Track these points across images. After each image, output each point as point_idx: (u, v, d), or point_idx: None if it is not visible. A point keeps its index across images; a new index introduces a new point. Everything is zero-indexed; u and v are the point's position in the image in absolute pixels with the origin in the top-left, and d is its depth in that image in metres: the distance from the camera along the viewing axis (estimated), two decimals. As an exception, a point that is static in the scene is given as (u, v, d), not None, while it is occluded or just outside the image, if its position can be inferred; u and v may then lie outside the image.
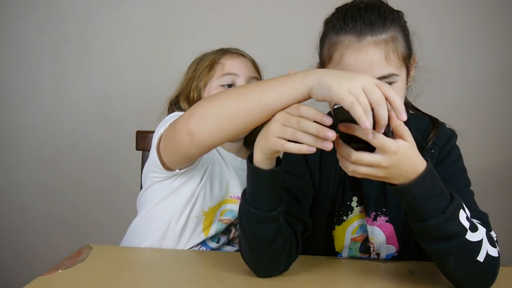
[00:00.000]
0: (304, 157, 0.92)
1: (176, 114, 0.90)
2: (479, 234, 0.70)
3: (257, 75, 1.10)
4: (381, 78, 0.74)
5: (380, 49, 0.76)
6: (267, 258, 0.79)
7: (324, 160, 0.92)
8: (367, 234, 0.92)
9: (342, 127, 0.63)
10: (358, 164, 0.64)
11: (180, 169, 0.90)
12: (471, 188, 0.85)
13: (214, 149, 1.03)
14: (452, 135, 0.89)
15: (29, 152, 1.79)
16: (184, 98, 1.09)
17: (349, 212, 0.93)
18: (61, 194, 1.79)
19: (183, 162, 0.88)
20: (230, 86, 1.04)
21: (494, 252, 0.72)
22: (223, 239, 1.05)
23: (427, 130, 0.88)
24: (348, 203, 0.93)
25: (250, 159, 0.74)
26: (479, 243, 0.70)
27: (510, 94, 1.59)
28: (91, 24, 1.73)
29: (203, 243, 1.03)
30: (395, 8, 0.83)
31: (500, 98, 1.59)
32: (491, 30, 1.56)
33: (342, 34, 0.78)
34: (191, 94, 1.07)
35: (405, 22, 0.83)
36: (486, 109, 1.59)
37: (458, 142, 0.91)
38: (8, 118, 1.79)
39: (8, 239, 1.84)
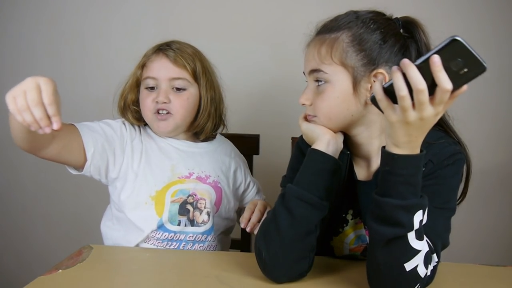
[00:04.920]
0: None
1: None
2: (420, 246, 0.69)
3: (182, 75, 1.06)
4: (311, 71, 0.83)
5: (315, 45, 0.83)
6: (299, 250, 0.79)
7: None
8: (366, 244, 0.92)
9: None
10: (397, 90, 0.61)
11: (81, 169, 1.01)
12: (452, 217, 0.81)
13: (147, 140, 1.10)
14: (453, 155, 0.81)
15: (30, 152, 1.79)
16: (122, 99, 1.12)
17: (344, 225, 0.93)
18: (61, 194, 1.79)
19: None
20: (152, 88, 1.06)
21: (422, 271, 0.70)
22: (184, 220, 1.06)
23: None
24: (344, 215, 0.92)
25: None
26: (415, 252, 0.68)
27: (510, 94, 1.59)
28: (90, 24, 1.72)
29: (162, 227, 1.04)
30: (398, 10, 0.87)
31: (500, 98, 1.59)
32: (492, 30, 1.56)
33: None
34: (128, 96, 1.10)
35: (367, 32, 0.80)
36: (486, 109, 1.59)
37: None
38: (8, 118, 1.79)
39: (8, 239, 1.84)
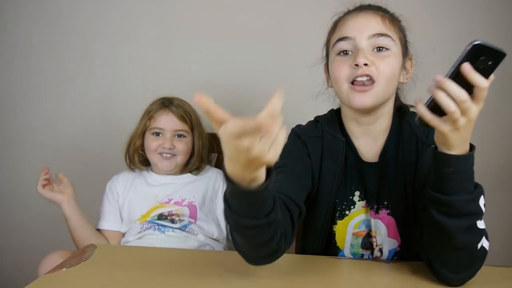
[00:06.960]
0: (306, 148, 0.94)
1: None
2: (483, 225, 0.75)
3: (183, 127, 1.35)
4: (377, 35, 0.86)
5: (375, 15, 0.88)
6: (267, 249, 0.76)
7: (325, 156, 0.94)
8: (369, 230, 0.94)
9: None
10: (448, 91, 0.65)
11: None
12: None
13: (138, 178, 1.39)
14: None
15: (31, 152, 1.80)
16: (133, 144, 1.38)
17: (352, 207, 0.94)
18: (63, 193, 1.79)
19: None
20: (158, 134, 1.34)
21: (486, 245, 0.76)
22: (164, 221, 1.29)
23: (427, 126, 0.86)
24: (351, 197, 0.94)
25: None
26: (483, 231, 0.75)
27: (510, 94, 1.60)
28: (92, 24, 1.73)
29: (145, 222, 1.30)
30: (400, 12, 0.95)
31: (500, 98, 1.60)
32: (493, 30, 1.57)
33: (346, 15, 0.92)
34: (135, 142, 1.37)
35: (403, 26, 0.95)
36: (486, 109, 1.59)
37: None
38: (11, 118, 1.79)
39: (10, 239, 1.84)
